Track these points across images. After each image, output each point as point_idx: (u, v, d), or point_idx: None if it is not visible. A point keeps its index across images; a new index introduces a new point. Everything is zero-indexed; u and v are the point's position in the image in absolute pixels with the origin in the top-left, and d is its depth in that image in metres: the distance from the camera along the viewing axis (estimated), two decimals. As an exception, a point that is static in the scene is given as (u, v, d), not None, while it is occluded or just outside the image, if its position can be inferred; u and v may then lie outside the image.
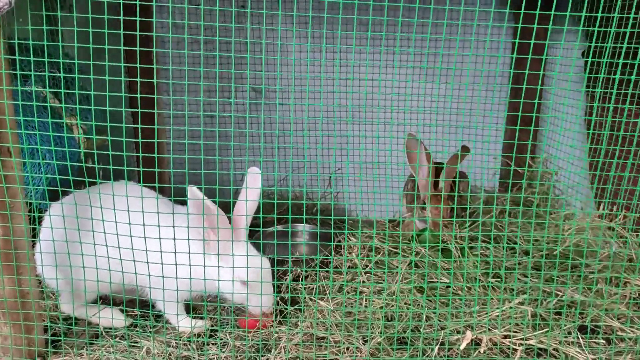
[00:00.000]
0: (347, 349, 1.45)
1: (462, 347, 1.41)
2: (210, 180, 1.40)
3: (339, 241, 2.26)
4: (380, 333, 1.45)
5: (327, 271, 1.98)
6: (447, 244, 2.04)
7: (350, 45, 2.66)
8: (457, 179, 2.52)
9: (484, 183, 2.77)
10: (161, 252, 1.42)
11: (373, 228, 2.12)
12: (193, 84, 2.68)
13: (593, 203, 2.33)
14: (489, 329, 1.48)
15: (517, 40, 1.40)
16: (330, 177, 2.95)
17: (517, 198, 2.53)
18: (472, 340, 1.46)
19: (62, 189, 1.50)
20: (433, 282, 1.70)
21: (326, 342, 1.48)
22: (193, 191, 1.43)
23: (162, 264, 1.43)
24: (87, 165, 2.25)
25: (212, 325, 1.71)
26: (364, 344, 1.46)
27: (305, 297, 1.59)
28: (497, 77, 2.87)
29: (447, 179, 2.30)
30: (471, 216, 2.55)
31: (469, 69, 2.75)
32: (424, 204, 2.33)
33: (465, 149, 2.38)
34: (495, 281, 1.69)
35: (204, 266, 1.47)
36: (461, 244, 1.98)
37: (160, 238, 1.40)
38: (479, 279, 1.74)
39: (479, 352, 1.43)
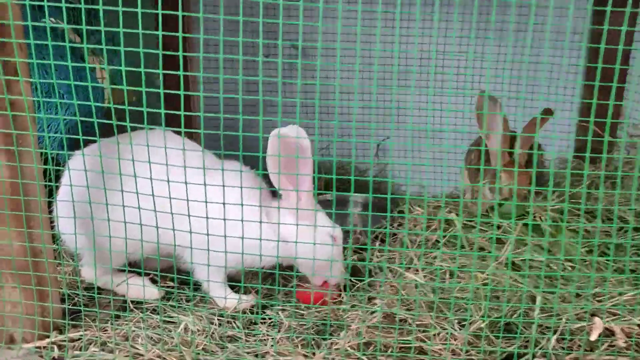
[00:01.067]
0: (438, 334, 1.13)
1: (592, 338, 1.08)
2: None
3: (400, 212, 1.95)
4: (483, 317, 1.12)
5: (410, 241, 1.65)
6: (535, 217, 1.69)
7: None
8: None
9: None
10: (206, 202, 1.11)
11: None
12: (229, 40, 2.37)
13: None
14: (623, 317, 1.14)
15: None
16: (379, 143, 2.62)
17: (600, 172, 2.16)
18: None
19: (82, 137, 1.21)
20: (533, 259, 1.36)
21: (411, 326, 1.16)
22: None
23: (207, 217, 1.13)
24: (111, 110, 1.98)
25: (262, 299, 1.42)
26: (460, 330, 1.13)
27: (385, 268, 1.27)
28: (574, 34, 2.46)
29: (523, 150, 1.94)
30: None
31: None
32: (494, 177, 1.99)
33: (548, 112, 2.01)
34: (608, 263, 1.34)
35: (260, 222, 1.16)
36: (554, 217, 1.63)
37: (205, 184, 1.10)
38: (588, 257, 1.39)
39: (613, 345, 1.10)
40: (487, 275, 1.17)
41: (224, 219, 1.12)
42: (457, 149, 2.48)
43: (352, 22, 1.10)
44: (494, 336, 1.13)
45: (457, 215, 1.84)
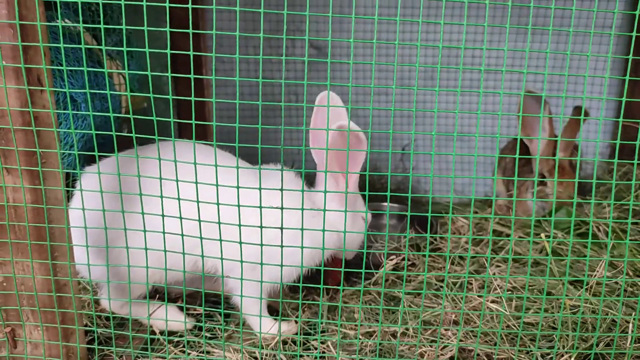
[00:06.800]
0: (521, 370, 1.01)
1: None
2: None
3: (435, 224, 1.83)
4: (572, 348, 1.00)
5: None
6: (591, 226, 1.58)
7: None
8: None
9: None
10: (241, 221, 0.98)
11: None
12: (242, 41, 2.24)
13: None
14: None
15: None
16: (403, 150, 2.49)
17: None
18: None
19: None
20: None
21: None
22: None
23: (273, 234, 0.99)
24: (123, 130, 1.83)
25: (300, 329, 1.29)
26: (547, 365, 1.01)
27: (446, 292, 1.14)
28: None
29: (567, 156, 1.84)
30: (589, 195, 2.09)
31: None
32: (540, 180, 1.88)
33: (578, 111, 1.91)
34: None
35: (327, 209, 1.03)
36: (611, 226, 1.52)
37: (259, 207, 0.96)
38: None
39: None
40: (577, 302, 1.04)
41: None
42: (488, 156, 2.40)
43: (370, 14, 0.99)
44: (584, 371, 1.01)
45: (505, 226, 1.72)
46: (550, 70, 2.28)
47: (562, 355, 1.00)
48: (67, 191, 1.15)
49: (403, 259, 1.36)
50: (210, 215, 0.97)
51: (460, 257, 1.51)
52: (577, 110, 1.91)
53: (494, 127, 2.41)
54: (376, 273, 1.38)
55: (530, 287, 1.27)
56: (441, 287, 1.34)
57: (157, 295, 1.29)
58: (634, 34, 0.89)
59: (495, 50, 2.27)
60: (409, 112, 2.42)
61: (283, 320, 1.30)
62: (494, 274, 1.32)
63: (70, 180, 1.39)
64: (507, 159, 2.17)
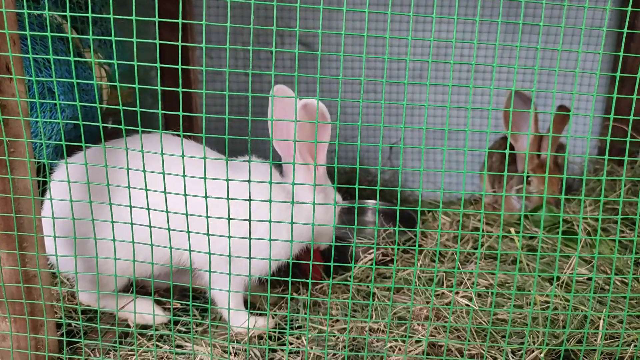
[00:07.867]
0: (491, 366, 1.00)
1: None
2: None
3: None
4: (543, 344, 1.00)
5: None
6: (573, 224, 1.58)
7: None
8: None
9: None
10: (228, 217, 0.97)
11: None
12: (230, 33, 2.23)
13: None
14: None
15: None
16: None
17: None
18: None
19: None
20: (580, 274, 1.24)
21: (459, 357, 1.03)
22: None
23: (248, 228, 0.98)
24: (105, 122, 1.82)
25: (276, 324, 1.28)
26: (517, 360, 1.00)
27: (415, 286, 1.13)
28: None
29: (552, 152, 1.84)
30: (575, 193, 2.09)
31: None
32: (520, 182, 1.88)
33: (563, 109, 1.90)
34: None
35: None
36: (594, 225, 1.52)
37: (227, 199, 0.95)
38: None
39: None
40: (547, 297, 1.04)
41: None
42: (476, 151, 2.40)
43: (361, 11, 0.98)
44: (554, 367, 1.01)
45: (488, 224, 1.72)
46: (537, 72, 2.28)
47: (532, 351, 0.99)
48: (42, 183, 1.15)
49: (381, 254, 1.36)
50: (189, 208, 0.96)
51: (441, 254, 1.51)
52: (561, 109, 1.91)
53: (482, 126, 2.41)
54: (354, 268, 1.37)
55: (507, 284, 1.26)
56: (420, 283, 1.34)
57: (131, 289, 1.28)
58: (625, 30, 0.88)
59: (484, 46, 2.27)
60: (396, 111, 2.42)
61: (261, 314, 1.29)
62: (473, 270, 1.32)
63: (48, 172, 1.38)
64: (494, 158, 2.17)
